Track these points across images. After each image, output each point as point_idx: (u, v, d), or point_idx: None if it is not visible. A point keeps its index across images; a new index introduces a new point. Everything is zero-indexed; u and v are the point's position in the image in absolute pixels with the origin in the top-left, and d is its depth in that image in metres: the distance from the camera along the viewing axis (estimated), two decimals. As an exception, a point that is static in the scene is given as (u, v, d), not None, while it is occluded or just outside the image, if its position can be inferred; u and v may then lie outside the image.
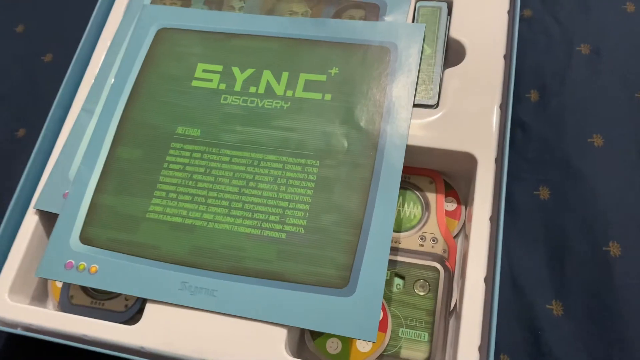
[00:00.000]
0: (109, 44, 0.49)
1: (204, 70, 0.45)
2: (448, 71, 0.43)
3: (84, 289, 0.43)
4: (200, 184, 0.41)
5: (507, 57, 0.44)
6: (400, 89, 0.42)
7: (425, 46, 0.45)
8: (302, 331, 0.41)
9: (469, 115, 0.41)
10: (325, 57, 0.44)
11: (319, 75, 0.43)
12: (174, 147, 0.43)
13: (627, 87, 0.47)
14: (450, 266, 0.41)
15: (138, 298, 0.42)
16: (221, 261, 0.39)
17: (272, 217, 0.39)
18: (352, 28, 0.44)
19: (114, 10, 0.51)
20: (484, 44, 0.44)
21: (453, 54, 0.45)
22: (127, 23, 0.49)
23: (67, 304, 0.43)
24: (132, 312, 0.42)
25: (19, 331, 0.40)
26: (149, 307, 0.39)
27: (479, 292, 0.37)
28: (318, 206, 0.39)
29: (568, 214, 0.43)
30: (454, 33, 0.45)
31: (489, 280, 0.37)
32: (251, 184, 0.41)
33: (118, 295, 0.42)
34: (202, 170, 0.42)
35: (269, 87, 0.43)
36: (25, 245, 0.43)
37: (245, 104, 0.43)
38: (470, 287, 0.37)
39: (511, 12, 0.45)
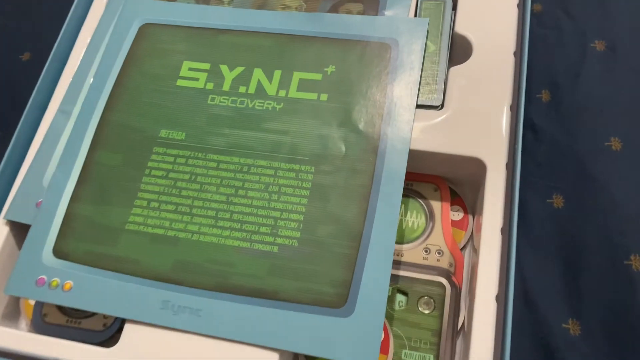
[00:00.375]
0: (88, 40, 0.46)
1: (190, 69, 0.43)
2: (453, 69, 0.42)
3: (59, 306, 0.40)
4: (184, 192, 0.39)
5: (518, 54, 0.41)
6: (402, 89, 0.40)
7: (428, 42, 0.43)
8: (296, 355, 0.38)
9: (477, 117, 0.39)
10: (320, 54, 0.42)
11: (314, 73, 0.41)
12: (157, 151, 0.40)
13: (646, 85, 0.45)
14: (457, 281, 0.38)
15: (117, 317, 0.39)
16: (207, 277, 0.37)
17: (262, 229, 0.37)
18: (350, 23, 0.42)
19: (94, 5, 0.48)
20: (492, 40, 0.42)
21: (459, 51, 0.43)
22: (109, 18, 0.47)
23: (40, 323, 0.40)
24: (110, 331, 0.39)
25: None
26: (128, 327, 0.37)
27: (490, 312, 0.34)
28: (313, 216, 0.37)
29: (584, 224, 0.41)
30: (460, 28, 0.43)
31: (501, 298, 0.34)
32: (240, 192, 0.38)
33: (95, 313, 0.40)
34: (186, 177, 0.39)
35: (260, 86, 0.41)
36: (-6, 259, 0.40)
37: (234, 105, 0.41)
38: (481, 306, 0.34)
39: (521, 6, 0.43)
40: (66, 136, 0.42)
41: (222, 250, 0.37)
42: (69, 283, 0.37)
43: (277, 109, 0.40)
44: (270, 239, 0.37)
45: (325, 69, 0.41)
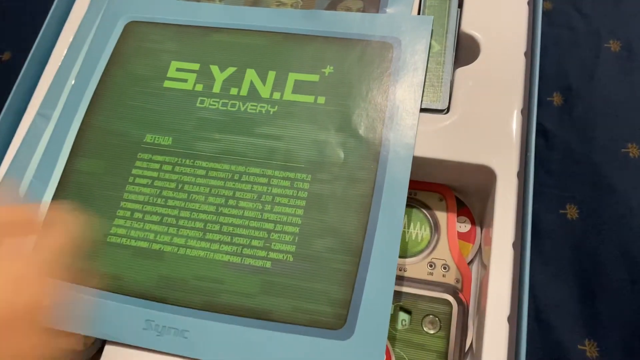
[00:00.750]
0: (71, 39, 0.44)
1: (178, 69, 0.41)
2: (459, 71, 0.40)
3: None
4: (170, 202, 0.37)
5: (528, 54, 0.40)
6: (405, 91, 0.38)
7: (433, 42, 0.41)
8: None
9: (485, 122, 0.38)
10: (318, 54, 0.40)
11: (310, 75, 0.39)
12: (142, 157, 0.38)
13: (665, 88, 0.44)
14: (464, 299, 0.36)
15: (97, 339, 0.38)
16: (194, 295, 0.34)
17: (255, 242, 0.35)
18: (350, 21, 0.41)
19: (77, 2, 0.46)
20: (501, 40, 0.40)
21: (465, 51, 0.41)
22: (93, 15, 0.45)
23: None
24: (91, 352, 0.38)
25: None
26: (109, 347, 0.35)
27: (502, 334, 0.32)
28: (309, 229, 0.35)
29: (600, 237, 0.40)
30: (466, 27, 0.41)
31: (513, 319, 0.33)
32: (231, 202, 0.36)
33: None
34: (173, 185, 0.37)
35: (252, 88, 0.39)
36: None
37: (225, 108, 0.39)
38: (491, 328, 0.32)
39: (531, 3, 0.42)
40: (45, 141, 0.40)
41: (211, 265, 0.35)
42: None
43: (271, 113, 0.38)
44: (263, 254, 0.35)
45: (323, 70, 0.39)
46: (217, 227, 0.36)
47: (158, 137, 0.39)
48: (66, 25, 0.45)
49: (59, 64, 0.43)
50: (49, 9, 0.45)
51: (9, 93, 0.43)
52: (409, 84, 0.38)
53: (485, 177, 0.37)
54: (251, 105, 0.39)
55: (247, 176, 0.37)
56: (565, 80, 0.45)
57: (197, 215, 0.36)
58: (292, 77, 0.39)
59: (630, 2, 0.47)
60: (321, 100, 0.38)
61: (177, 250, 0.36)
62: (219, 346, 0.33)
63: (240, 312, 0.34)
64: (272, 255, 0.34)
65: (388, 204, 0.34)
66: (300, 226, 0.35)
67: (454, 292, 0.36)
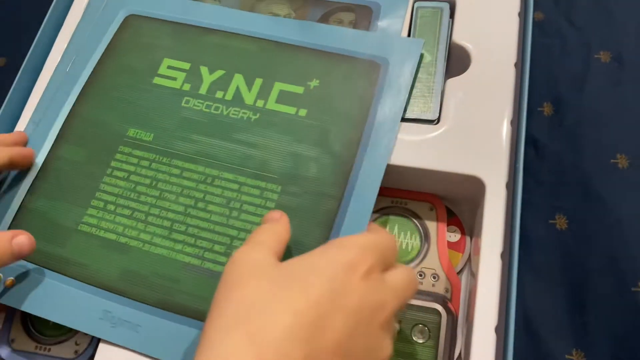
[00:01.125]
0: (65, 46, 0.45)
1: (169, 67, 0.41)
2: (450, 81, 0.40)
3: (27, 332, 0.39)
4: (143, 198, 0.38)
5: (519, 65, 0.40)
6: (385, 114, 0.38)
7: (424, 52, 0.42)
8: None
9: (475, 132, 0.38)
10: (306, 66, 0.40)
11: (296, 86, 0.39)
12: (122, 151, 0.39)
13: (654, 100, 0.45)
14: (453, 308, 0.37)
15: (90, 342, 0.38)
16: (151, 291, 0.35)
17: (217, 247, 0.36)
18: (342, 36, 0.41)
19: (73, 7, 0.47)
20: (492, 51, 0.41)
21: (456, 61, 0.42)
22: (93, 12, 0.45)
23: (7, 350, 0.38)
24: (82, 359, 0.38)
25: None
26: (100, 354, 0.35)
27: (489, 345, 0.33)
28: None
29: (589, 247, 0.40)
30: (457, 38, 0.42)
31: (500, 330, 0.33)
32: (200, 204, 0.37)
33: (66, 339, 0.38)
34: (147, 181, 0.38)
35: (237, 93, 0.40)
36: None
37: (208, 110, 0.40)
38: (479, 338, 0.33)
39: (522, 14, 0.42)
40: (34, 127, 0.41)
41: (171, 264, 0.36)
42: (10, 279, 0.36)
43: (252, 120, 0.39)
44: (223, 259, 0.35)
45: (309, 83, 0.39)
46: (183, 228, 0.36)
47: (140, 132, 0.39)
48: (61, 32, 0.45)
49: (53, 70, 0.43)
50: (44, 16, 0.46)
51: (3, 98, 0.43)
52: (390, 106, 0.38)
53: (474, 188, 0.37)
54: (234, 110, 0.39)
55: (219, 180, 0.37)
56: (556, 91, 0.46)
57: (166, 213, 0.37)
58: (278, 86, 0.39)
59: (621, 13, 0.47)
60: (302, 112, 0.38)
61: (142, 246, 0.36)
62: (167, 344, 0.34)
63: (192, 314, 0.34)
64: None
65: (352, 221, 0.35)
66: None
67: (443, 301, 0.37)
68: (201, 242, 0.36)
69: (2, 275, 0.36)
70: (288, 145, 0.37)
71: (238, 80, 0.40)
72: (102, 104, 0.41)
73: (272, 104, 0.39)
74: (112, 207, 0.38)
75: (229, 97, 0.40)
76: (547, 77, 0.46)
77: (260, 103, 0.39)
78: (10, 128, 0.42)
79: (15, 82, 0.43)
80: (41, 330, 0.38)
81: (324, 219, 0.35)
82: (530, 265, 0.40)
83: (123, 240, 0.37)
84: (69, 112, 0.41)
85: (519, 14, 0.42)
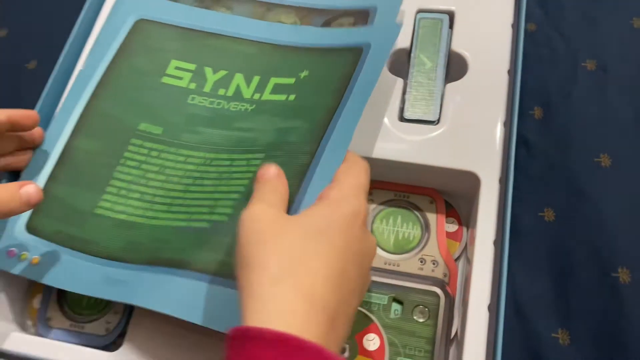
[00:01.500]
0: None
1: (177, 68, 0.44)
2: (449, 86, 0.43)
3: (63, 311, 0.41)
4: (151, 182, 0.40)
5: (511, 72, 0.43)
6: (362, 83, 0.38)
7: (426, 59, 0.44)
8: None
9: (472, 132, 0.40)
10: (299, 61, 0.42)
11: (288, 78, 0.42)
12: (134, 143, 0.42)
13: (635, 104, 0.46)
14: (451, 291, 0.39)
15: (120, 321, 0.41)
16: (143, 254, 0.37)
17: (203, 209, 0.38)
18: (332, 33, 0.43)
19: (103, 12, 0.49)
20: (487, 58, 0.43)
21: (455, 68, 0.44)
22: (110, 12, 0.47)
23: (45, 327, 0.41)
24: (113, 336, 0.40)
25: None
26: (131, 331, 0.38)
27: (482, 321, 0.35)
28: (249, 195, 0.35)
29: (574, 237, 0.42)
30: (456, 46, 0.44)
31: (492, 308, 0.35)
32: (197, 181, 0.39)
33: (98, 318, 0.41)
34: (156, 169, 0.41)
35: (238, 90, 0.42)
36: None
37: (212, 106, 0.42)
38: (473, 315, 0.35)
39: (515, 26, 0.44)
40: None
41: (164, 230, 0.38)
42: (37, 258, 0.39)
43: (249, 110, 0.41)
44: (207, 217, 0.37)
45: (300, 74, 0.41)
46: (180, 202, 0.39)
47: (150, 127, 0.42)
48: (90, 36, 0.48)
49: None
50: (74, 20, 0.48)
51: (34, 99, 0.45)
52: (368, 77, 0.38)
53: (470, 182, 0.39)
54: (234, 104, 0.41)
55: (216, 161, 0.40)
56: (546, 96, 0.47)
57: (169, 193, 0.39)
58: (273, 81, 0.42)
59: (606, 24, 0.49)
60: (292, 97, 0.40)
61: (145, 221, 0.39)
62: (150, 294, 0.35)
63: (173, 264, 0.36)
64: (213, 217, 0.37)
65: (324, 169, 0.35)
66: (242, 193, 0.37)
67: (441, 285, 0.39)
68: (192, 208, 0.38)
69: (29, 254, 0.39)
70: (276, 124, 0.39)
71: (238, 79, 0.42)
72: (115, 101, 0.43)
73: (267, 96, 0.41)
74: (125, 192, 0.40)
75: (230, 93, 0.42)
76: (538, 83, 0.47)
77: (257, 96, 0.41)
78: (44, 127, 0.43)
79: (48, 84, 0.45)
80: (75, 309, 0.41)
81: (298, 171, 0.36)
82: (520, 253, 0.41)
83: (132, 219, 0.39)
84: (85, 107, 0.43)
85: (512, 25, 0.44)
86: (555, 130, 0.46)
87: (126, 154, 0.41)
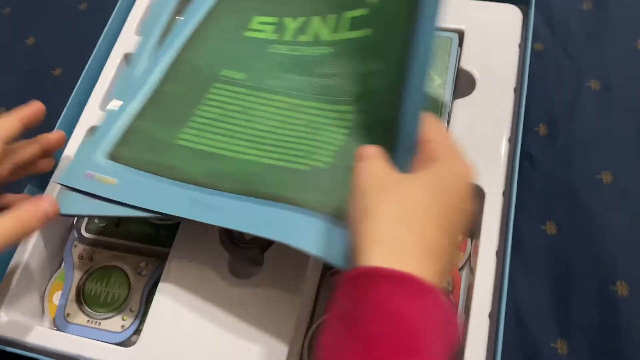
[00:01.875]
0: (119, 61, 0.49)
1: (259, 22, 0.45)
2: (457, 102, 0.44)
3: (80, 307, 0.43)
4: (234, 120, 0.41)
5: (517, 90, 0.44)
6: (427, 23, 0.34)
7: (435, 76, 0.45)
8: (301, 352, 0.40)
9: (477, 147, 0.41)
10: None
11: (362, 9, 0.41)
12: (217, 86, 0.43)
13: (637, 124, 0.47)
14: (454, 299, 0.40)
15: (135, 319, 0.42)
16: (235, 185, 0.37)
17: (299, 152, 0.38)
18: None
19: (127, 25, 0.51)
20: (494, 76, 0.44)
21: (463, 84, 0.45)
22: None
23: (63, 322, 0.42)
24: (128, 333, 0.42)
25: (11, 349, 0.39)
26: (146, 329, 0.39)
27: (484, 328, 0.36)
28: (350, 150, 0.35)
29: (575, 251, 0.43)
30: (464, 64, 0.45)
31: (493, 316, 0.36)
32: (284, 124, 0.40)
33: (114, 315, 0.42)
34: (239, 109, 0.41)
35: (317, 34, 0.43)
36: (24, 259, 0.42)
37: (293, 53, 0.43)
38: (475, 323, 0.36)
39: (522, 46, 0.46)
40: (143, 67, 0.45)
41: (257, 165, 0.38)
42: (114, 179, 0.39)
43: (329, 54, 0.41)
44: (305, 161, 0.37)
45: (368, 1, 0.41)
46: (269, 141, 0.39)
47: (233, 72, 0.43)
48: (116, 45, 0.50)
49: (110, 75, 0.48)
50: (99, 29, 0.50)
51: (60, 106, 0.47)
52: (432, 20, 0.33)
53: (475, 194, 0.39)
54: (314, 49, 0.42)
55: (302, 107, 0.40)
56: (551, 114, 0.48)
57: (254, 131, 0.40)
58: (348, 15, 0.42)
59: (611, 45, 0.50)
60: (369, 32, 0.40)
61: (230, 154, 0.39)
62: (249, 220, 0.35)
63: (271, 198, 0.36)
64: (312, 162, 0.37)
65: (407, 122, 0.33)
66: (342, 147, 0.37)
67: (445, 293, 0.40)
68: (283, 149, 0.38)
69: (108, 177, 0.39)
70: (356, 68, 0.39)
71: (316, 22, 0.43)
72: (203, 53, 0.44)
73: (345, 34, 0.41)
74: (205, 127, 0.41)
75: (310, 38, 0.43)
76: (544, 101, 0.48)
77: (336, 37, 0.41)
78: (69, 130, 0.46)
79: (75, 89, 0.47)
80: (92, 306, 0.43)
81: (387, 128, 0.35)
82: (522, 264, 0.42)
83: (212, 150, 0.39)
84: (175, 58, 0.44)
85: (519, 45, 0.45)
86: (560, 146, 0.47)
87: (209, 95, 0.42)
